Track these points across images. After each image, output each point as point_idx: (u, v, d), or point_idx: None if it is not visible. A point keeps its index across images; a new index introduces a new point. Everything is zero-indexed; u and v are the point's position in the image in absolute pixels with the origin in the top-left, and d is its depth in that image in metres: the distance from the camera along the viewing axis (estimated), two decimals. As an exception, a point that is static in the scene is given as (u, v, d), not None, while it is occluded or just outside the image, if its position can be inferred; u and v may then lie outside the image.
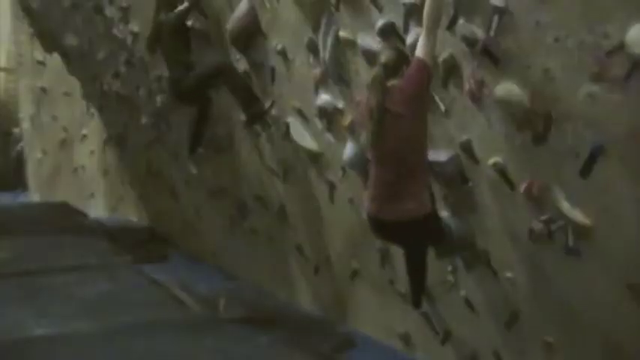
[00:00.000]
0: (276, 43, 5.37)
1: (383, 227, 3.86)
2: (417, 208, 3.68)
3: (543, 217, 3.52)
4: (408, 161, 3.66)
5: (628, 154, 3.03)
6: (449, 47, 3.72)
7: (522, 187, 3.57)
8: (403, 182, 3.67)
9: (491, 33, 3.42)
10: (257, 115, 5.78)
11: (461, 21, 3.58)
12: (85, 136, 12.48)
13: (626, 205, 3.11)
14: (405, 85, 3.61)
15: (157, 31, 6.05)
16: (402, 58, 3.74)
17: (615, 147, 3.07)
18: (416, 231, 3.80)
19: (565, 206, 3.38)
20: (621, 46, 2.88)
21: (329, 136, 5.11)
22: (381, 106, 3.62)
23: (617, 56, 2.91)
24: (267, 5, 5.33)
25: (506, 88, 3.43)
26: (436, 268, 4.31)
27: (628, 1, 2.83)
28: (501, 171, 3.68)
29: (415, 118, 3.63)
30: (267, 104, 5.70)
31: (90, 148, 12.31)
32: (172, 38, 5.88)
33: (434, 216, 3.85)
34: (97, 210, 12.20)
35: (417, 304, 4.21)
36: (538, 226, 3.57)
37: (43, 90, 14.04)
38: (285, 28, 5.20)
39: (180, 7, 5.84)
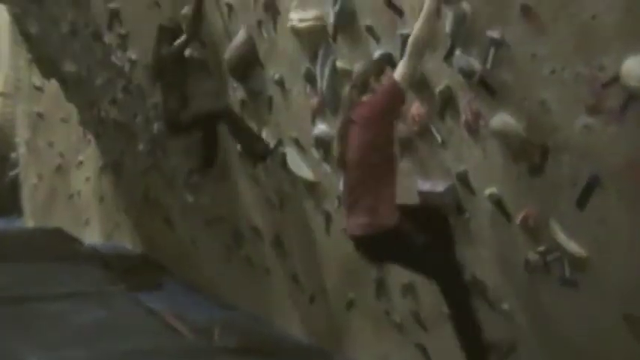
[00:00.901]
0: (273, 72, 5.39)
1: (357, 244, 3.87)
2: (369, 224, 3.69)
3: (540, 248, 3.52)
4: (364, 175, 3.70)
5: (624, 185, 3.03)
6: (446, 78, 3.74)
7: (519, 218, 3.57)
8: (358, 195, 3.72)
9: (488, 65, 3.44)
10: (261, 156, 5.84)
11: (458, 52, 3.60)
12: (81, 162, 12.48)
13: (622, 236, 3.11)
14: (372, 100, 3.71)
15: (159, 64, 6.14)
16: (369, 72, 3.82)
17: (612, 178, 3.07)
18: (382, 247, 3.77)
19: (561, 237, 3.37)
20: (617, 79, 2.89)
21: (326, 166, 5.11)
22: (345, 121, 3.77)
23: (613, 88, 2.93)
24: (265, 35, 5.36)
25: (503, 120, 3.44)
26: (431, 298, 4.30)
27: (623, 34, 2.86)
28: (498, 202, 3.68)
29: (376, 134, 3.69)
30: (271, 144, 5.74)
31: (86, 174, 12.29)
32: (175, 69, 5.99)
33: (399, 235, 3.71)
34: (92, 236, 12.16)
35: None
36: (534, 257, 3.56)
37: (40, 115, 14.07)
38: (283, 58, 5.22)
39: (180, 39, 5.93)
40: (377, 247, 3.81)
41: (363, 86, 3.78)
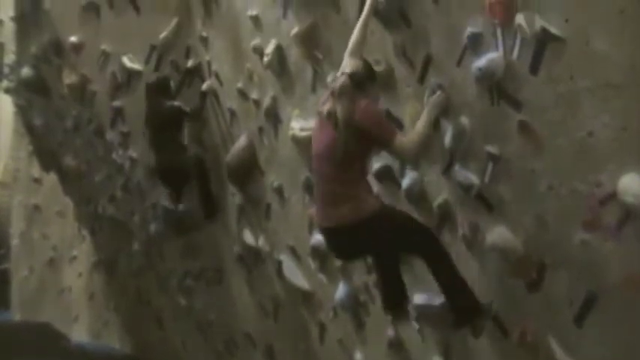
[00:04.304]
0: (272, 180, 5.43)
1: (332, 237, 3.64)
2: (352, 212, 3.48)
3: (538, 365, 3.46)
4: (341, 170, 3.51)
5: (622, 302, 3.00)
6: (444, 192, 3.76)
7: (516, 334, 3.52)
8: (335, 187, 3.52)
9: (486, 179, 3.47)
10: (207, 216, 6.20)
11: (456, 166, 3.64)
12: (74, 257, 12.41)
13: (621, 353, 3.06)
14: (365, 117, 3.47)
15: (156, 118, 6.37)
16: (367, 73, 3.62)
17: (609, 295, 3.04)
18: (366, 235, 3.53)
19: (560, 355, 3.32)
20: (614, 195, 2.91)
21: (321, 277, 5.08)
22: (350, 118, 3.45)
23: (610, 205, 2.94)
24: (266, 142, 5.43)
25: (501, 234, 3.45)
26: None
27: (619, 151, 2.89)
28: (495, 317, 3.64)
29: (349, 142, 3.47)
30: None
31: (78, 270, 12.20)
32: (171, 125, 6.23)
33: (382, 216, 3.56)
34: (80, 334, 11.95)
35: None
36: (532, 374, 3.50)
37: (37, 208, 14.07)
38: (283, 166, 5.27)
39: (176, 104, 6.15)
40: (356, 235, 3.54)
41: (358, 83, 3.51)
